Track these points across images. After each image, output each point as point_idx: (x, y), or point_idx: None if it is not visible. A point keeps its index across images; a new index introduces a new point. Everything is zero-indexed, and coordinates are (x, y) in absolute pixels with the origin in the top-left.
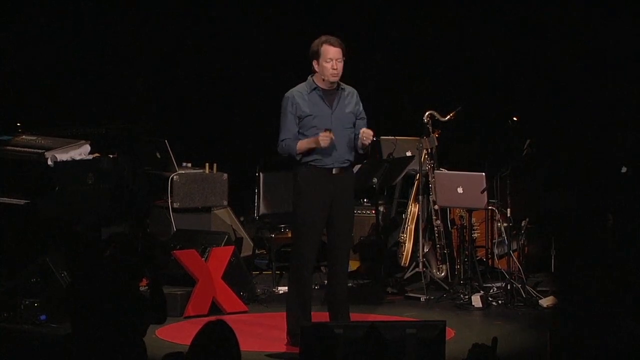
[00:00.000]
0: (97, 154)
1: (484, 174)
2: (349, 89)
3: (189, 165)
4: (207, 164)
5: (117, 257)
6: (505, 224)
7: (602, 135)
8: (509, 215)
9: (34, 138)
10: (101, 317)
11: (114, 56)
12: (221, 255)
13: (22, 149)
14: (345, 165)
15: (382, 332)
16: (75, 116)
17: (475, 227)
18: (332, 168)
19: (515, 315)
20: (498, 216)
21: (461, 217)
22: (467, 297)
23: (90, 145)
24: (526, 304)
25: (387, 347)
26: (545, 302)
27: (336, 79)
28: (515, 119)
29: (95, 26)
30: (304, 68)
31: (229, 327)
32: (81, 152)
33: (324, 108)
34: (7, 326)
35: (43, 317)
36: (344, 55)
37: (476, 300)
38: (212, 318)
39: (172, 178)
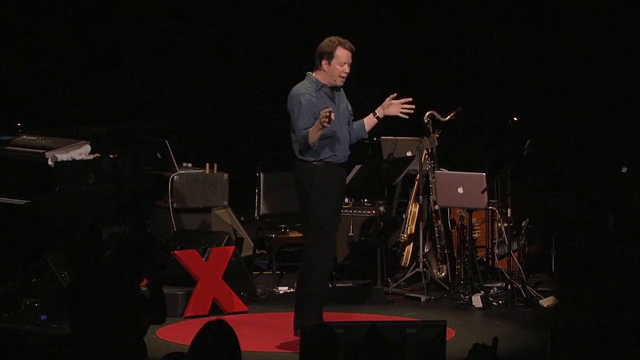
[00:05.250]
0: (97, 154)
1: (484, 174)
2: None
3: (189, 165)
4: (207, 164)
5: (117, 257)
6: (505, 224)
7: (603, 135)
8: (509, 215)
9: (34, 138)
10: (101, 317)
11: (114, 56)
12: (221, 255)
13: (22, 149)
14: (348, 160)
15: (383, 332)
16: (75, 116)
17: (475, 227)
18: (343, 163)
19: (515, 315)
20: (498, 216)
21: (461, 217)
22: (467, 297)
23: (90, 145)
24: (526, 304)
25: (387, 347)
26: (545, 302)
27: (343, 82)
28: (515, 119)
29: (95, 26)
30: (303, 68)
31: (229, 327)
32: (81, 152)
33: (331, 105)
34: (7, 326)
35: (43, 317)
36: (353, 59)
37: (476, 300)
38: (213, 318)
39: (172, 178)
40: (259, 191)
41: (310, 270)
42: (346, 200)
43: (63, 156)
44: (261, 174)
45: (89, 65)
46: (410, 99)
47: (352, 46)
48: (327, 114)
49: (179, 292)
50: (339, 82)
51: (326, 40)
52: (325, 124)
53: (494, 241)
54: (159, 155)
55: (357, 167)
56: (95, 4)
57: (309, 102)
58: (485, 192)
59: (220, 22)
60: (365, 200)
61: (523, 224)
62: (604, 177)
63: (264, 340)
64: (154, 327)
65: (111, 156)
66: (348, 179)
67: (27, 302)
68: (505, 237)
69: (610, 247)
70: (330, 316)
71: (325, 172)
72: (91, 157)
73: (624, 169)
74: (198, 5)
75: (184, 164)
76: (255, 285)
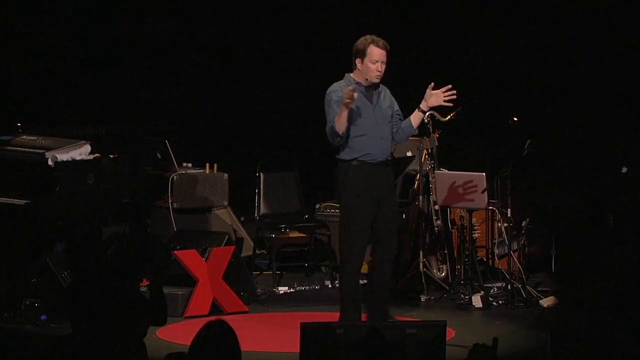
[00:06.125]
0: (97, 154)
1: (484, 174)
2: (381, 85)
3: (189, 165)
4: (207, 164)
5: (117, 257)
6: (505, 224)
7: (603, 135)
8: (509, 215)
9: (34, 138)
10: (101, 317)
11: (114, 56)
12: (221, 256)
13: (22, 149)
14: (390, 158)
15: (383, 332)
16: (75, 116)
17: (475, 227)
18: (382, 161)
19: (515, 315)
20: (498, 216)
21: (461, 217)
22: (467, 297)
23: (90, 145)
24: (526, 304)
25: (387, 347)
26: (545, 302)
27: (379, 80)
28: (515, 119)
29: (95, 26)
30: (304, 68)
31: (229, 327)
32: (81, 152)
33: (366, 103)
34: (7, 326)
35: (43, 317)
36: (387, 57)
37: (476, 301)
38: (213, 318)
39: (172, 178)
40: (259, 191)
41: (342, 270)
42: None
43: (63, 156)
44: (261, 174)
45: (89, 65)
46: (450, 86)
47: (386, 44)
48: (351, 91)
49: (179, 292)
50: (374, 80)
51: (361, 38)
52: (348, 101)
53: (494, 241)
54: (159, 155)
55: None
56: (95, 4)
57: (340, 98)
58: (485, 192)
59: (220, 22)
60: None
61: (523, 224)
62: (604, 177)
63: (264, 340)
64: (155, 327)
65: (111, 156)
66: None
67: (27, 302)
68: (505, 237)
69: (610, 247)
70: (330, 316)
71: (360, 171)
72: (91, 157)
73: (624, 169)
74: (198, 5)
75: (184, 164)
76: (255, 285)
